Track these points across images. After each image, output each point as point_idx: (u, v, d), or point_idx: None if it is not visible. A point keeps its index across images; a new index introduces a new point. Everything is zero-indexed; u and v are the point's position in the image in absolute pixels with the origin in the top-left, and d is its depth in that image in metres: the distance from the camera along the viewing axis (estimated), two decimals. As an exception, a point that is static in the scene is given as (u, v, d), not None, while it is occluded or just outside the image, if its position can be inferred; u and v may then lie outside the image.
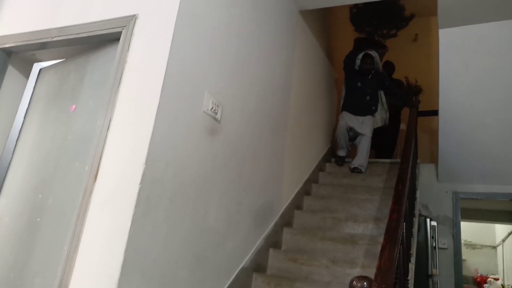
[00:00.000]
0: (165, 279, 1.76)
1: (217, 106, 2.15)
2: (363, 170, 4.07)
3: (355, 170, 4.08)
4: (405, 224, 2.25)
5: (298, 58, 3.61)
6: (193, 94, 1.97)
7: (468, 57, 3.61)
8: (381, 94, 4.42)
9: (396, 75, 5.05)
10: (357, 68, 4.28)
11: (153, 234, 1.68)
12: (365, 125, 4.18)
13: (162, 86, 1.73)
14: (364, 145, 4.14)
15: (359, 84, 4.26)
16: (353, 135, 4.28)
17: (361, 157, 4.13)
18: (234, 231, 2.40)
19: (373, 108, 4.27)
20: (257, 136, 2.73)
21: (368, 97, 4.24)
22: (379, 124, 4.35)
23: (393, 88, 4.41)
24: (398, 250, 1.68)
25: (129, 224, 1.55)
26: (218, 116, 2.17)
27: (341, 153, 4.31)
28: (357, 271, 2.57)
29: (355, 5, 5.42)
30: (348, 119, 4.21)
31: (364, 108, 4.23)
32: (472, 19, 3.36)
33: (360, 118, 4.20)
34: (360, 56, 4.25)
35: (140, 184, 1.60)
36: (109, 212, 1.62)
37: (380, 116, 4.38)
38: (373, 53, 4.26)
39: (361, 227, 3.14)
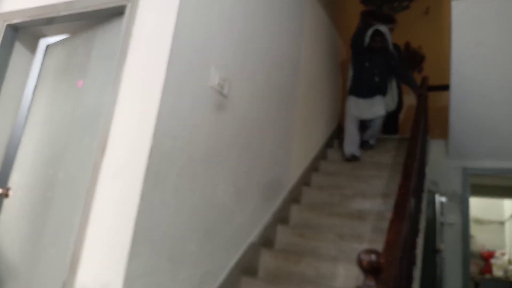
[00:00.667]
0: (174, 251, 1.80)
1: (224, 81, 2.13)
2: (372, 144, 3.91)
3: (364, 146, 3.89)
4: (414, 199, 2.25)
5: (307, 31, 3.54)
6: (199, 68, 1.95)
7: (482, 32, 3.51)
8: (392, 78, 4.06)
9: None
10: (365, 46, 3.87)
11: (162, 207, 1.71)
12: (375, 107, 3.80)
13: (168, 60, 1.71)
14: (375, 123, 3.87)
15: (367, 64, 3.87)
16: (362, 127, 3.93)
17: (371, 131, 3.91)
18: (243, 206, 2.43)
19: (383, 88, 3.88)
20: (265, 110, 2.72)
21: (377, 78, 3.84)
22: (392, 108, 4.01)
23: (402, 69, 4.00)
24: (406, 225, 1.69)
25: (138, 197, 1.58)
26: (225, 91, 2.15)
27: (352, 150, 3.82)
28: (364, 246, 2.59)
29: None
30: (356, 109, 3.85)
31: (372, 89, 3.83)
32: (486, -9, 3.25)
33: (369, 101, 3.82)
34: (370, 32, 3.82)
35: (148, 158, 1.61)
36: (118, 185, 1.65)
37: (393, 100, 4.03)
38: (384, 29, 3.84)
39: (369, 203, 3.15)
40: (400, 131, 4.73)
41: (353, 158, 3.78)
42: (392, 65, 3.91)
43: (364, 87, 3.84)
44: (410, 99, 4.52)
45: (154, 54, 1.76)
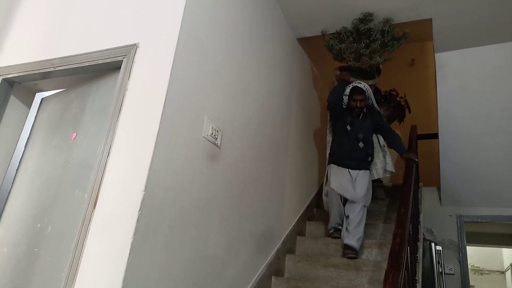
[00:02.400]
0: (165, 309, 1.72)
1: (217, 131, 2.16)
2: (357, 252, 2.97)
3: (347, 254, 2.94)
4: (409, 248, 2.21)
5: (297, 84, 3.66)
6: (193, 119, 1.98)
7: (466, 80, 3.66)
8: (378, 136, 3.46)
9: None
10: (345, 107, 3.36)
11: (152, 261, 1.65)
12: (358, 190, 3.14)
13: (162, 113, 1.74)
14: (359, 218, 3.04)
15: (348, 127, 3.30)
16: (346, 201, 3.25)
17: (355, 235, 2.99)
18: (235, 257, 2.36)
19: (369, 158, 3.29)
20: (258, 161, 2.73)
21: (361, 143, 3.26)
22: (380, 176, 3.40)
23: (391, 131, 3.46)
24: (403, 275, 1.65)
25: (128, 252, 1.53)
26: (218, 141, 2.18)
27: (336, 225, 3.26)
28: (362, 298, 2.51)
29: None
30: (337, 185, 3.18)
31: (357, 158, 3.24)
32: (468, 43, 3.43)
33: (354, 173, 3.21)
34: (348, 90, 3.28)
35: (139, 210, 1.59)
36: (108, 239, 1.60)
37: (381, 164, 3.40)
38: (364, 86, 3.27)
39: (365, 253, 3.09)
40: (392, 178, 4.74)
41: (336, 233, 3.22)
42: (382, 126, 3.42)
43: (347, 155, 3.26)
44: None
45: (148, 107, 1.79)
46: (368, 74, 3.59)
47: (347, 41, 3.46)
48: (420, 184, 3.96)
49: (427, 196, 4.54)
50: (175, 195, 1.82)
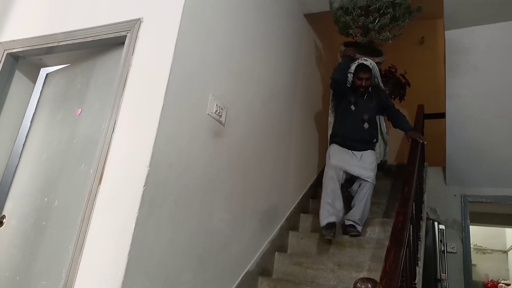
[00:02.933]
0: (169, 280, 1.76)
1: (222, 109, 2.16)
2: (359, 230, 2.89)
3: (350, 231, 2.87)
4: (412, 227, 2.22)
5: (303, 61, 3.61)
6: (197, 96, 1.98)
7: (476, 59, 3.58)
8: (380, 119, 3.31)
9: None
10: (349, 85, 3.18)
11: (157, 235, 1.68)
12: (365, 165, 2.98)
13: (166, 89, 1.74)
14: (363, 194, 2.93)
15: (352, 107, 3.09)
16: (348, 180, 3.08)
17: (358, 211, 2.90)
18: (240, 233, 2.40)
19: (374, 139, 3.13)
20: (262, 138, 2.73)
21: (366, 124, 3.06)
22: (379, 159, 3.31)
23: (397, 111, 3.24)
24: (404, 253, 1.66)
25: (133, 225, 1.56)
26: (223, 119, 2.17)
27: (330, 218, 2.79)
28: (363, 275, 2.54)
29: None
30: (340, 159, 3.00)
31: (361, 139, 3.05)
32: (478, 20, 3.33)
33: (358, 154, 3.03)
34: (353, 68, 3.11)
35: (144, 186, 1.61)
36: (113, 214, 1.63)
37: (379, 150, 3.31)
38: (370, 63, 3.10)
39: (368, 231, 3.11)
40: (397, 157, 4.73)
41: (328, 230, 2.77)
42: (389, 105, 3.25)
43: (351, 136, 3.05)
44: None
45: (152, 83, 1.78)
46: (375, 51, 3.39)
47: (354, 14, 3.27)
48: (425, 163, 3.95)
49: (432, 176, 4.53)
50: (180, 171, 1.83)
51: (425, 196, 3.49)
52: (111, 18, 2.04)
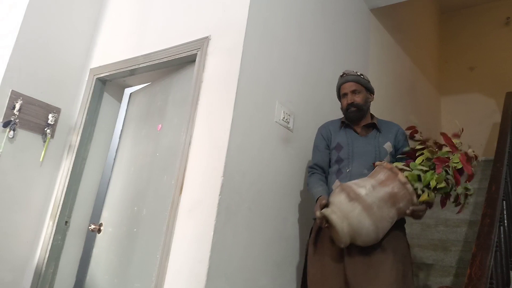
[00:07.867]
0: (248, 284, 1.84)
1: (289, 115, 2.19)
2: None
3: None
4: (504, 228, 2.05)
5: (373, 58, 3.50)
6: (265, 105, 2.03)
7: None
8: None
9: (481, 65, 4.42)
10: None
11: (235, 241, 1.77)
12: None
13: (235, 100, 1.82)
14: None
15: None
16: None
17: None
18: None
19: None
20: (333, 141, 2.70)
21: None
22: None
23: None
24: (492, 257, 1.55)
25: (212, 232, 1.66)
26: (291, 125, 2.21)
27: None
28: (449, 280, 2.41)
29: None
30: None
31: None
32: None
33: None
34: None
35: (219, 195, 1.70)
36: (193, 221, 1.75)
37: None
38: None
39: (453, 232, 2.93)
40: (486, 151, 4.35)
41: None
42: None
43: None
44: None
45: (222, 96, 1.88)
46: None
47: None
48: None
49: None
50: (253, 179, 1.90)
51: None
52: (182, 38, 2.19)
